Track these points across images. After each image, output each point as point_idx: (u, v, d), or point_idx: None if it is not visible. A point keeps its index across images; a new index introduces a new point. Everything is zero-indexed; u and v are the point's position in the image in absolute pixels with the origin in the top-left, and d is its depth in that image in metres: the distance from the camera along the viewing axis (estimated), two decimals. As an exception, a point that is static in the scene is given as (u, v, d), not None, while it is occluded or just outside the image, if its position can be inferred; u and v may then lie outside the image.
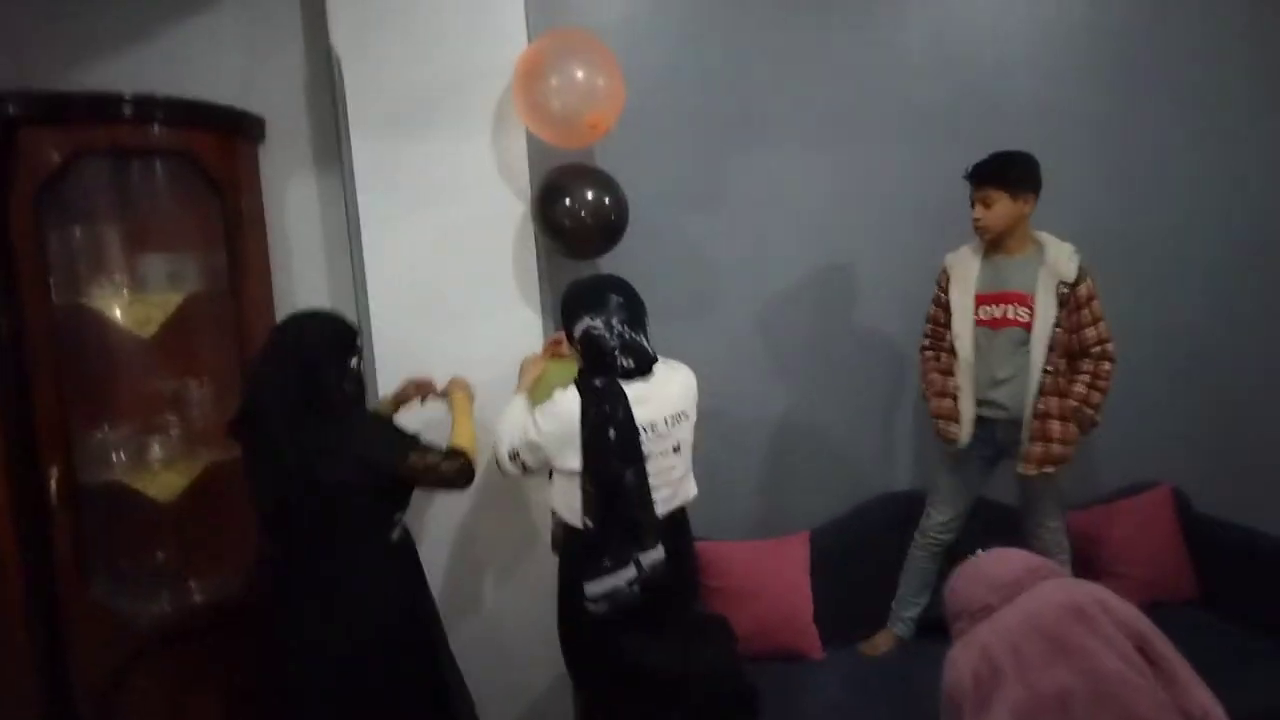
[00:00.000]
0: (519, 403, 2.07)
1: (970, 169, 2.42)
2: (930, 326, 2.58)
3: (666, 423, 1.98)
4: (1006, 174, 2.37)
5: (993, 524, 2.60)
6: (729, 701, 2.05)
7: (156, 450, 2.21)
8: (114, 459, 2.17)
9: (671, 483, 2.01)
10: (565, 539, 2.03)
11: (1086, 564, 2.68)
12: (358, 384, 1.98)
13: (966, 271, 2.47)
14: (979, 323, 2.44)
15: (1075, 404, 2.37)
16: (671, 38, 2.70)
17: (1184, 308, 3.06)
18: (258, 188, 2.36)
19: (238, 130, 2.29)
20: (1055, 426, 2.36)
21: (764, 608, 2.54)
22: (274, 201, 2.46)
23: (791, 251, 2.84)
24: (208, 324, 2.28)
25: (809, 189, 2.82)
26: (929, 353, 2.57)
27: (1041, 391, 2.36)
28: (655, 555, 1.92)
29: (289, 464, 1.84)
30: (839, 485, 2.90)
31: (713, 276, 2.79)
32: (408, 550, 2.09)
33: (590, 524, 1.91)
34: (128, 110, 2.07)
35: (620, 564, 1.89)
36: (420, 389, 2.24)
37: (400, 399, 2.25)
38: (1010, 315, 2.40)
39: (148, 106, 2.09)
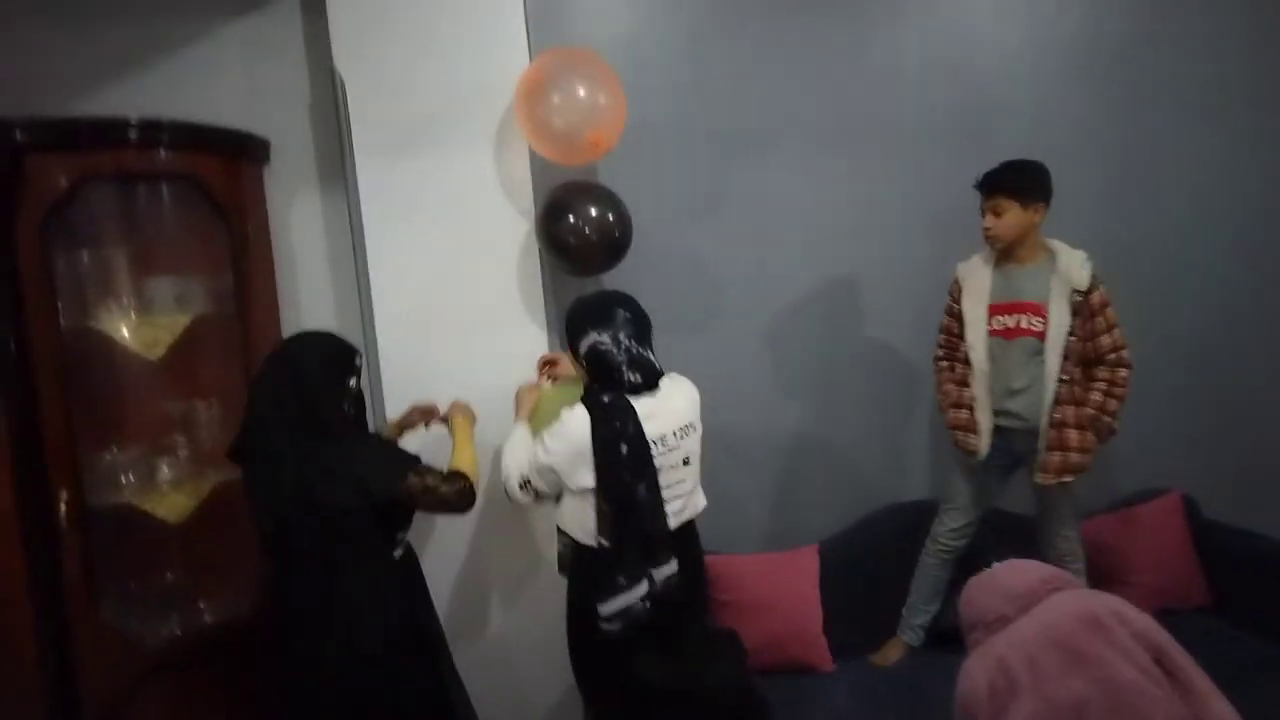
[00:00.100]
0: (520, 432, 2.08)
1: (981, 178, 2.42)
2: (944, 337, 2.57)
3: (675, 435, 1.98)
4: (1017, 183, 2.36)
5: (1006, 533, 2.60)
6: (740, 715, 2.04)
7: (165, 471, 2.21)
8: (123, 481, 2.17)
9: (682, 495, 2.01)
10: (574, 559, 2.03)
11: (1097, 572, 2.66)
12: (358, 404, 1.98)
13: (979, 282, 2.46)
14: (992, 333, 2.43)
15: (1093, 412, 2.36)
16: (672, 54, 2.71)
17: (1187, 312, 3.05)
18: (263, 209, 2.37)
19: (243, 153, 2.30)
20: (1073, 435, 2.35)
21: (774, 621, 2.54)
22: (279, 223, 2.47)
23: (796, 264, 2.84)
24: (215, 345, 2.28)
25: (812, 202, 2.82)
26: (944, 364, 2.56)
27: (1058, 401, 2.35)
28: (668, 569, 1.92)
29: (288, 485, 1.83)
30: (848, 497, 2.89)
31: (718, 290, 2.79)
32: (410, 567, 2.08)
33: (605, 543, 1.91)
34: (133, 135, 2.08)
35: (634, 580, 1.89)
36: (425, 415, 2.24)
37: (405, 424, 2.24)
38: (1024, 325, 2.39)
39: (153, 131, 2.10)
